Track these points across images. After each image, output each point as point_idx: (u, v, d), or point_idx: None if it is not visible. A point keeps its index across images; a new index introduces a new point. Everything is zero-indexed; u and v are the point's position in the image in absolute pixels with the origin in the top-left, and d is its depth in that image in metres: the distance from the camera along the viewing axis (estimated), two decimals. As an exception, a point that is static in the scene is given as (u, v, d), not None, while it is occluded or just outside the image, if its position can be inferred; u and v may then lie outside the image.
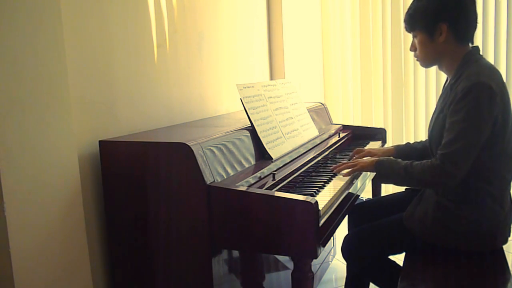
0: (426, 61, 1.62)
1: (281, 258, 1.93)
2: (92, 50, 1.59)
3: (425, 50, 1.59)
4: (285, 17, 3.17)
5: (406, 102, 3.49)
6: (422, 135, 3.43)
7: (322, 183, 1.70)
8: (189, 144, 1.36)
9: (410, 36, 1.66)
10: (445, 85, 1.65)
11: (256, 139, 1.71)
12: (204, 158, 1.38)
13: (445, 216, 1.53)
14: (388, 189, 3.44)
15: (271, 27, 3.18)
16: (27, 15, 1.23)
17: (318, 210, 1.28)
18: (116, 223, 1.55)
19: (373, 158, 1.71)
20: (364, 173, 1.93)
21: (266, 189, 1.47)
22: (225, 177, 1.44)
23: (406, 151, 1.91)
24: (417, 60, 1.65)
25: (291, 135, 1.96)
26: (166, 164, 1.41)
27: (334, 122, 2.78)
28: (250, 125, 1.72)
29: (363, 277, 1.89)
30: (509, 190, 1.56)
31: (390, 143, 3.35)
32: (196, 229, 1.39)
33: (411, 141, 2.00)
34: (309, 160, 1.87)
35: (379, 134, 2.64)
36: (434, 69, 3.23)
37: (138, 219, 1.49)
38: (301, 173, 1.76)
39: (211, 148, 1.44)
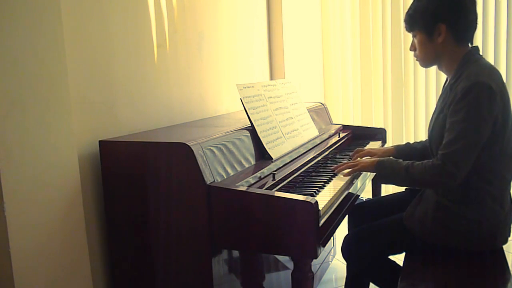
0: (426, 61, 1.63)
1: (281, 258, 1.93)
2: (92, 50, 1.59)
3: (424, 50, 1.59)
4: (285, 17, 3.17)
5: (406, 102, 3.49)
6: (422, 135, 3.43)
7: (322, 183, 1.70)
8: (189, 144, 1.36)
9: (410, 36, 1.67)
10: (445, 85, 1.65)
11: (256, 139, 1.71)
12: (204, 158, 1.38)
13: (445, 216, 1.53)
14: (388, 189, 3.44)
15: (271, 27, 3.18)
16: (27, 15, 1.23)
17: (318, 210, 1.28)
18: (116, 223, 1.55)
19: (373, 158, 1.71)
20: (364, 173, 1.93)
21: (266, 189, 1.47)
22: (225, 177, 1.44)
23: (406, 151, 1.91)
24: (417, 60, 1.65)
25: (291, 135, 1.96)
26: (166, 164, 1.41)
27: (334, 122, 2.78)
28: (250, 125, 1.72)
29: (363, 277, 1.89)
30: (509, 190, 1.56)
31: (390, 143, 3.35)
32: (196, 229, 1.39)
33: (411, 141, 2.00)
34: (309, 160, 1.87)
35: (379, 134, 2.64)
36: (434, 69, 3.23)
37: (138, 219, 1.49)
38: (301, 173, 1.76)
39: (211, 148, 1.44)
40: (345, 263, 1.85)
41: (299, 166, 1.76)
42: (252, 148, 1.68)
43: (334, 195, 1.56)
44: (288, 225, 1.29)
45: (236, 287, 1.59)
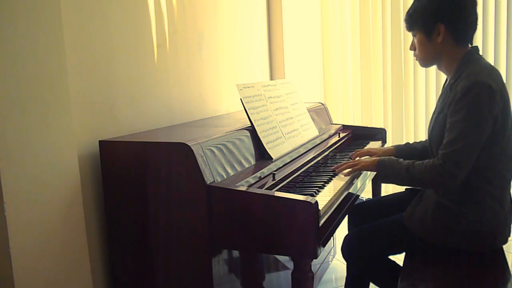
0: (425, 61, 1.63)
1: (281, 258, 1.93)
2: (92, 50, 1.59)
3: (423, 50, 1.60)
4: (285, 17, 3.17)
5: (406, 102, 3.49)
6: (422, 135, 3.43)
7: (322, 183, 1.70)
8: (189, 144, 1.36)
9: (410, 36, 1.67)
10: (445, 85, 1.65)
11: (256, 139, 1.71)
12: (204, 158, 1.38)
13: (445, 216, 1.53)
14: (388, 189, 3.44)
15: (271, 27, 3.19)
16: (27, 15, 1.23)
17: (318, 210, 1.28)
18: (116, 223, 1.55)
19: (374, 158, 1.71)
20: (364, 173, 1.93)
21: (266, 189, 1.47)
22: (225, 177, 1.44)
23: (406, 151, 1.91)
24: (417, 60, 1.66)
25: (291, 135, 1.96)
26: (166, 164, 1.41)
27: (334, 122, 2.78)
28: (250, 125, 1.72)
29: (363, 277, 1.89)
30: (509, 189, 1.56)
31: (390, 143, 3.35)
32: (196, 229, 1.39)
33: (411, 141, 2.00)
34: (309, 160, 1.87)
35: (379, 134, 2.64)
36: (434, 69, 3.23)
37: (138, 219, 1.49)
38: (301, 173, 1.76)
39: (211, 148, 1.44)
40: (345, 263, 1.85)
41: (299, 166, 1.76)
42: (252, 148, 1.68)
43: (334, 195, 1.56)
44: (288, 225, 1.29)
45: (236, 287, 1.59)
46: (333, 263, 2.70)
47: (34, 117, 1.25)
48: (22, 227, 1.22)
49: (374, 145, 2.48)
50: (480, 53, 1.60)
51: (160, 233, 1.47)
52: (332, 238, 2.39)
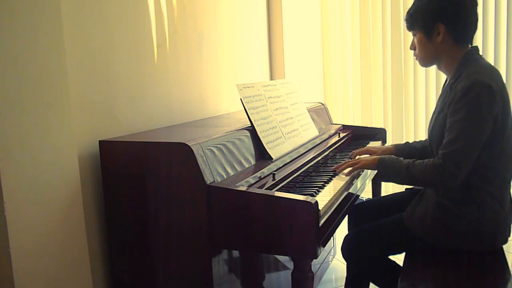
0: (425, 61, 1.63)
1: (281, 258, 1.93)
2: (92, 50, 1.59)
3: (423, 50, 1.60)
4: (285, 17, 3.17)
5: (406, 102, 3.49)
6: (422, 135, 3.43)
7: (322, 183, 1.70)
8: (189, 144, 1.36)
9: (410, 36, 1.67)
10: (445, 85, 1.65)
11: (256, 139, 1.71)
12: (204, 158, 1.38)
13: (445, 216, 1.53)
14: (388, 189, 3.44)
15: (271, 27, 3.19)
16: (27, 15, 1.23)
17: (318, 210, 1.28)
18: (116, 223, 1.55)
19: (374, 156, 1.72)
20: (364, 173, 1.93)
21: (266, 189, 1.47)
22: (225, 177, 1.44)
23: (406, 150, 1.91)
24: (417, 59, 1.66)
25: (291, 135, 1.96)
26: (166, 164, 1.41)
27: (334, 122, 2.78)
28: (250, 125, 1.72)
29: (363, 277, 1.89)
30: (509, 189, 1.56)
31: (390, 143, 3.34)
32: (196, 229, 1.39)
33: (411, 141, 2.00)
34: (309, 160, 1.87)
35: (379, 134, 2.64)
36: (434, 69, 3.23)
37: (138, 219, 1.49)
38: (301, 173, 1.76)
39: (211, 148, 1.44)
40: (345, 263, 1.85)
41: (299, 166, 1.76)
42: (252, 148, 1.68)
43: (334, 195, 1.56)
44: (288, 225, 1.29)
45: (236, 287, 1.59)
46: (333, 263, 2.70)
47: (34, 117, 1.25)
48: (22, 227, 1.22)
49: (374, 145, 2.48)
50: (480, 53, 1.60)
51: (160, 233, 1.47)
52: (332, 238, 2.39)
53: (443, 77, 1.71)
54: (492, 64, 1.70)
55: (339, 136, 2.41)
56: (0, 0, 1.16)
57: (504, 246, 1.59)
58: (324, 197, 1.52)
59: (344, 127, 2.67)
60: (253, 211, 1.32)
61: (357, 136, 2.63)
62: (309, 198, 1.29)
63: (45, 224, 1.30)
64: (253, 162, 1.64)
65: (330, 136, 2.38)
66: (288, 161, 1.77)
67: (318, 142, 2.17)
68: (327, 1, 3.72)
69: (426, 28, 1.56)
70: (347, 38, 3.69)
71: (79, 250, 1.42)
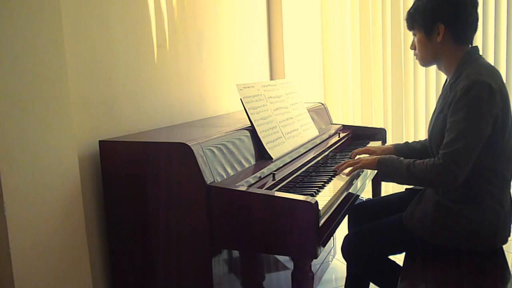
0: (425, 60, 1.63)
1: (281, 258, 1.93)
2: (92, 50, 1.59)
3: (423, 49, 1.60)
4: (285, 17, 3.17)
5: (406, 102, 3.49)
6: (422, 135, 3.43)
7: (322, 183, 1.70)
8: (189, 144, 1.36)
9: (410, 36, 1.67)
10: (445, 85, 1.66)
11: (256, 139, 1.71)
12: (204, 158, 1.38)
13: (445, 216, 1.53)
14: (388, 189, 3.44)
15: (271, 27, 3.19)
16: (27, 15, 1.23)
17: (318, 210, 1.28)
18: (116, 223, 1.55)
19: (374, 156, 1.72)
20: (364, 173, 1.93)
21: (266, 189, 1.47)
22: (225, 177, 1.44)
23: (405, 150, 1.91)
24: (417, 59, 1.66)
25: (291, 135, 1.96)
26: (166, 164, 1.41)
27: (334, 122, 2.78)
28: (250, 125, 1.72)
29: (363, 277, 1.89)
30: (509, 189, 1.56)
31: (390, 143, 3.33)
32: (196, 229, 1.39)
33: (411, 141, 2.00)
34: (309, 160, 1.87)
35: (379, 134, 2.64)
36: (434, 69, 3.23)
37: (138, 219, 1.49)
38: (301, 173, 1.76)
39: (211, 148, 1.44)
40: (345, 263, 1.85)
41: (299, 166, 1.76)
42: (252, 148, 1.68)
43: (334, 195, 1.56)
44: (288, 225, 1.29)
45: (236, 287, 1.59)
46: (333, 263, 2.70)
47: (34, 117, 1.25)
48: (22, 227, 1.22)
49: (374, 145, 2.48)
50: (480, 53, 1.60)
51: (160, 233, 1.47)
52: (332, 238, 2.39)
53: (443, 77, 1.71)
54: (492, 64, 1.70)
55: (339, 136, 2.41)
56: (0, 0, 1.16)
57: (504, 246, 1.59)
58: (324, 197, 1.52)
59: (344, 127, 2.67)
60: (253, 211, 1.32)
61: (357, 136, 2.63)
62: (309, 198, 1.29)
63: (45, 224, 1.30)
64: (253, 162, 1.64)
65: (330, 136, 2.38)
66: (288, 161, 1.77)
67: (318, 142, 2.17)
68: (327, 1, 3.72)
69: (426, 27, 1.56)
70: (347, 38, 3.69)
71: (79, 250, 1.42)
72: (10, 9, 1.18)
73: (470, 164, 1.44)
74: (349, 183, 1.74)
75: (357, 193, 1.83)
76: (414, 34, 1.63)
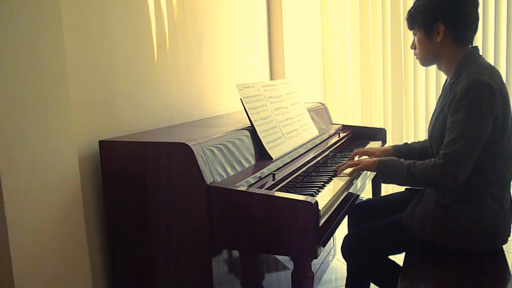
0: (425, 60, 1.63)
1: (281, 258, 1.93)
2: (92, 50, 1.59)
3: (423, 49, 1.60)
4: (285, 17, 3.17)
5: (406, 102, 3.49)
6: (422, 135, 3.43)
7: (322, 183, 1.70)
8: (189, 144, 1.36)
9: (410, 37, 1.67)
10: (445, 85, 1.66)
11: (256, 139, 1.71)
12: (204, 158, 1.38)
13: (445, 216, 1.53)
14: (388, 189, 3.44)
15: (271, 27, 3.19)
16: (27, 15, 1.23)
17: (318, 210, 1.28)
18: (116, 223, 1.55)
19: (374, 158, 1.72)
20: (364, 173, 1.93)
21: (266, 189, 1.47)
22: (225, 177, 1.44)
23: (405, 151, 1.91)
24: (417, 59, 1.66)
25: (291, 135, 1.96)
26: (166, 164, 1.41)
27: (334, 122, 2.78)
28: (250, 125, 1.72)
29: (363, 277, 1.89)
30: (509, 189, 1.56)
31: (390, 143, 3.35)
32: (196, 229, 1.39)
33: (411, 141, 2.00)
34: (309, 160, 1.87)
35: (379, 134, 2.64)
36: (434, 69, 3.23)
37: (138, 219, 1.49)
38: (301, 173, 1.76)
39: (211, 148, 1.44)
40: (345, 263, 1.85)
41: (299, 166, 1.76)
42: (252, 148, 1.68)
43: (334, 195, 1.56)
44: (288, 225, 1.29)
45: (236, 287, 1.59)
46: (333, 263, 2.70)
47: (34, 117, 1.25)
48: (22, 227, 1.22)
49: (374, 145, 2.48)
50: (480, 53, 1.60)
51: (160, 233, 1.47)
52: (332, 238, 2.39)
53: (443, 77, 1.71)
54: (492, 64, 1.70)
55: (339, 136, 2.41)
56: (0, 0, 1.16)
57: (504, 246, 1.59)
58: (324, 197, 1.52)
59: (344, 127, 2.67)
60: (253, 211, 1.32)
61: (357, 136, 2.63)
62: (309, 198, 1.29)
63: (45, 224, 1.30)
64: (253, 162, 1.64)
65: (330, 136, 2.38)
66: (288, 161, 1.77)
67: (318, 142, 2.17)
68: (327, 1, 3.72)
69: (426, 27, 1.56)
70: (347, 38, 3.69)
71: (79, 250, 1.42)
72: (10, 9, 1.18)
73: (470, 164, 1.44)
74: (349, 183, 1.74)
75: (357, 193, 1.83)
76: (414, 34, 1.63)
